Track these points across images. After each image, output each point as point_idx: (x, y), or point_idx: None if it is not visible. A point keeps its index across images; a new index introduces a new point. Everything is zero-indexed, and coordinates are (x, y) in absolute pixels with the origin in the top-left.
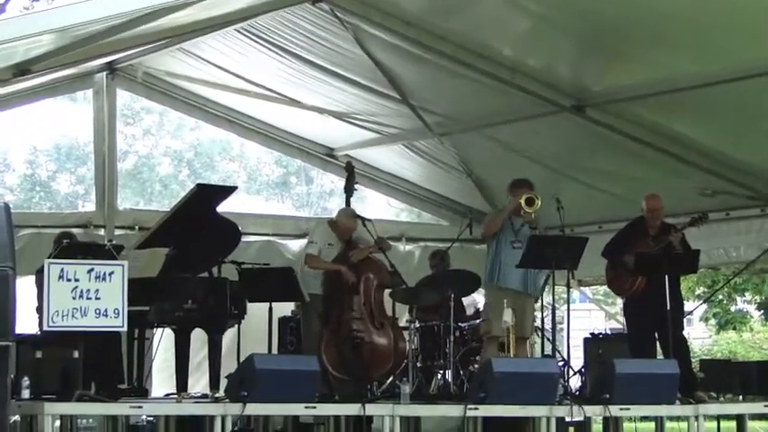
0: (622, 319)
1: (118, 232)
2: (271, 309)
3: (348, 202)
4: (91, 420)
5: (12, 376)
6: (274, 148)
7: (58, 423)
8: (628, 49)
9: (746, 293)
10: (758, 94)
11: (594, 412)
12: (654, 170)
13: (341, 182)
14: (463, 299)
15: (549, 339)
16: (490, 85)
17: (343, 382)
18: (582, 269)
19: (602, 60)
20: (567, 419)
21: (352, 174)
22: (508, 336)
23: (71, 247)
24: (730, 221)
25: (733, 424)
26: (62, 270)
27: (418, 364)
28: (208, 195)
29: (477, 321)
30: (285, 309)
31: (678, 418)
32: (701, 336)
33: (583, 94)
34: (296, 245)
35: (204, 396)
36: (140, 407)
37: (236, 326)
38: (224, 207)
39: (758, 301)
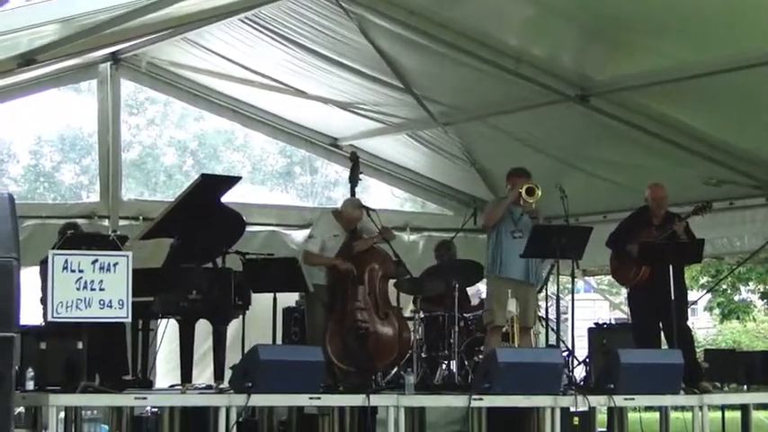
0: (627, 308)
1: (122, 223)
2: (275, 299)
3: (353, 192)
4: (95, 412)
5: (16, 367)
6: (279, 139)
7: (62, 414)
8: (631, 38)
9: (750, 283)
10: (762, 84)
11: (599, 402)
12: (658, 159)
13: (345, 172)
14: (468, 289)
15: (553, 329)
16: (494, 74)
17: (348, 373)
18: (586, 259)
19: (605, 50)
20: (572, 409)
21: (356, 164)
22: (512, 326)
23: (75, 237)
24: (734, 211)
25: (737, 414)
26: (66, 261)
27: (423, 355)
28: (212, 185)
29: (482, 312)
30: (289, 299)
31: (682, 408)
32: (705, 326)
33: (587, 84)
34: (300, 235)
35: (208, 387)
36: (145, 398)
37: (241, 316)
38: (228, 197)
39: (762, 290)
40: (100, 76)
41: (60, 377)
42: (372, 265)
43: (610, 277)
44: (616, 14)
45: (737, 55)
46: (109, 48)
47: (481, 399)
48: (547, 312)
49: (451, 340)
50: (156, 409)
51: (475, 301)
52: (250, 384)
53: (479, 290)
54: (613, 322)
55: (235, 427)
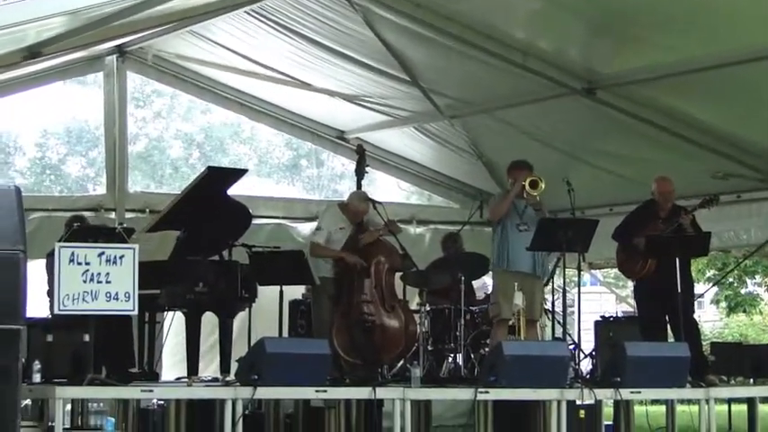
0: (633, 301)
1: (128, 215)
2: (281, 292)
3: (359, 185)
4: (102, 404)
5: (23, 360)
6: (285, 131)
7: (68, 407)
8: (638, 31)
9: (757, 276)
10: None
11: (605, 395)
12: (665, 153)
13: (351, 164)
14: (474, 282)
15: (559, 322)
16: (501, 67)
17: (354, 366)
18: (593, 252)
19: (612, 43)
20: (578, 402)
21: (363, 156)
22: (518, 319)
23: (82, 230)
24: (741, 204)
25: (744, 407)
26: (73, 253)
27: (429, 348)
28: (218, 178)
29: (488, 305)
30: (296, 292)
31: (689, 402)
32: (711, 318)
33: (593, 77)
34: (306, 228)
35: (215, 380)
36: (151, 390)
37: (247, 309)
38: (235, 190)
39: None
40: (106, 69)
41: (67, 370)
42: (379, 258)
43: (616, 270)
44: (623, 8)
45: (744, 48)
46: (115, 40)
47: (487, 392)
48: (553, 305)
49: (458, 333)
50: (162, 402)
51: (480, 295)
52: (256, 377)
53: (485, 283)
54: (620, 315)
55: (241, 419)
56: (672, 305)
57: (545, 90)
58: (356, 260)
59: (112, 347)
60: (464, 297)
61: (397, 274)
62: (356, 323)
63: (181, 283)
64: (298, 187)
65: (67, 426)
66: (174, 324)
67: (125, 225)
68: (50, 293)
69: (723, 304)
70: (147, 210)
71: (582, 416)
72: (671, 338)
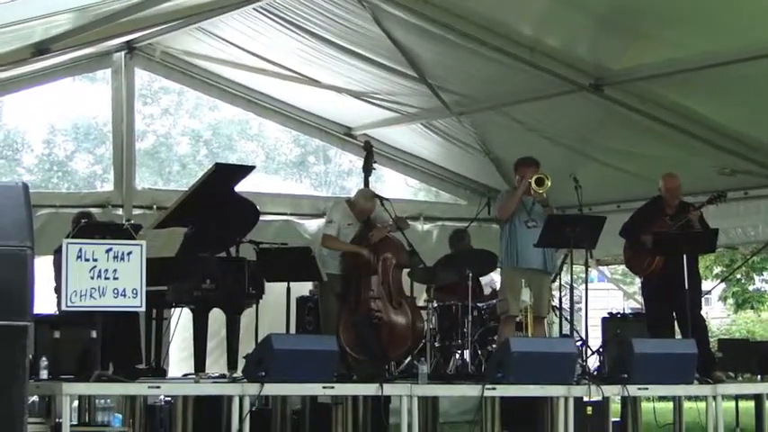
0: (641, 298)
1: (136, 212)
2: (289, 288)
3: (366, 182)
4: (109, 400)
5: (30, 356)
6: (292, 128)
7: (75, 403)
8: (646, 28)
9: (765, 272)
10: None
11: (613, 392)
12: (672, 149)
13: (359, 161)
14: (481, 279)
15: (567, 319)
16: (509, 63)
17: (361, 362)
18: (600, 248)
19: (620, 39)
20: (585, 399)
21: (370, 153)
22: (526, 315)
23: (89, 226)
24: (748, 200)
25: (751, 404)
26: (80, 250)
27: (436, 344)
28: (226, 175)
29: (495, 301)
30: (303, 288)
31: (696, 398)
32: (719, 315)
33: (601, 73)
34: (314, 224)
35: (222, 376)
36: (158, 387)
37: (254, 306)
38: (242, 186)
39: None
40: (114, 66)
41: (74, 366)
42: (386, 255)
43: (623, 267)
44: (631, 4)
45: (752, 45)
46: (123, 37)
47: (494, 388)
48: (560, 302)
49: (465, 329)
50: (169, 398)
51: (487, 291)
52: (263, 373)
53: (492, 279)
54: (627, 312)
55: (248, 416)
56: (679, 302)
57: (553, 86)
58: (370, 255)
59: (120, 344)
60: (471, 293)
61: (405, 271)
62: (363, 319)
63: (188, 279)
64: (305, 184)
65: (74, 422)
66: (181, 321)
67: (132, 222)
68: (57, 290)
69: (731, 301)
70: (155, 206)
71: (589, 412)
72: (678, 335)
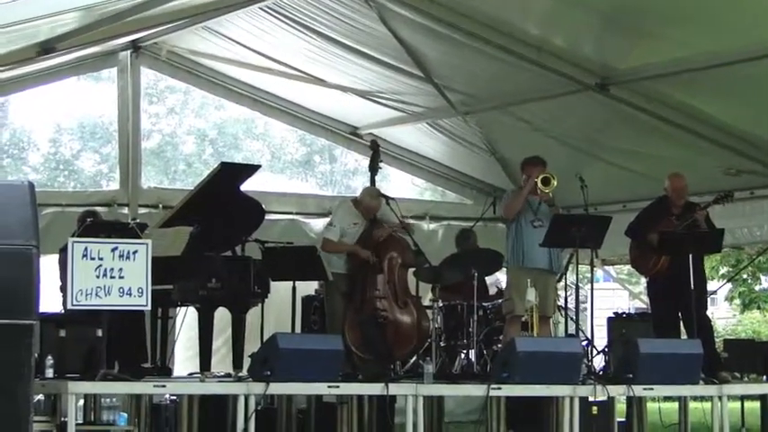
0: (646, 298)
1: (142, 211)
2: (294, 288)
3: (373, 181)
4: (114, 399)
5: (35, 355)
6: (298, 127)
7: (81, 402)
8: (652, 27)
9: None
10: None
11: (618, 392)
12: (678, 149)
13: (365, 160)
14: (486, 278)
15: (572, 319)
16: (514, 63)
17: (367, 362)
18: (606, 248)
19: (626, 39)
20: (591, 399)
21: (376, 152)
22: (531, 315)
23: (95, 225)
24: (754, 200)
25: (757, 404)
26: (86, 249)
27: (441, 344)
28: (232, 174)
29: (501, 301)
30: (309, 288)
31: (702, 398)
32: (725, 315)
33: (607, 73)
34: (319, 224)
35: (227, 375)
36: (164, 386)
37: (260, 305)
38: (248, 186)
39: None
40: (120, 65)
41: (79, 365)
42: (392, 254)
43: (629, 267)
44: (637, 3)
45: (758, 44)
46: (129, 36)
47: (500, 388)
48: (566, 302)
49: (470, 329)
50: (174, 397)
51: (492, 291)
52: (269, 373)
53: (498, 279)
54: (633, 312)
55: (253, 415)
56: (685, 302)
57: (559, 86)
58: (369, 255)
59: (125, 343)
60: (477, 293)
61: (410, 270)
62: (369, 319)
63: (194, 278)
64: (311, 183)
65: (80, 421)
66: (186, 320)
67: (138, 220)
68: (63, 289)
69: (737, 301)
70: (161, 205)
71: (594, 412)
72: (684, 335)
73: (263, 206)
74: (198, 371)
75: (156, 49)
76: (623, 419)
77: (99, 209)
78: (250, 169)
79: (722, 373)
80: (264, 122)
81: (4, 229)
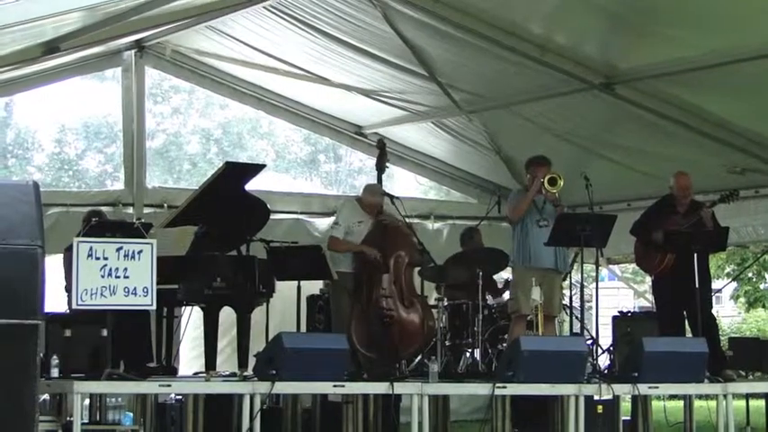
0: (651, 297)
1: (146, 210)
2: (299, 287)
3: (380, 180)
4: (119, 399)
5: (41, 355)
6: (303, 126)
7: (86, 401)
8: (656, 26)
9: None
10: None
11: (623, 391)
12: (683, 148)
13: (369, 160)
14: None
15: (577, 318)
16: (519, 62)
17: (372, 361)
18: (610, 247)
19: (630, 38)
20: (596, 398)
21: (383, 151)
22: (536, 314)
23: (100, 225)
24: (759, 199)
25: (762, 403)
26: (91, 248)
27: (447, 343)
28: (236, 173)
29: (506, 299)
30: (314, 287)
31: (707, 397)
32: (730, 314)
33: (611, 72)
34: (324, 223)
35: (233, 375)
36: (169, 385)
37: (265, 304)
38: (252, 185)
39: None
40: (124, 64)
41: (85, 364)
42: (399, 253)
43: (634, 265)
44: (641, 2)
45: (763, 43)
46: (133, 35)
47: (505, 387)
48: (571, 301)
49: (475, 328)
50: (180, 397)
51: (500, 284)
52: (274, 372)
53: (502, 278)
54: (637, 310)
55: (259, 414)
56: (690, 301)
57: (563, 85)
58: (375, 254)
59: (130, 342)
60: (484, 289)
61: (415, 269)
62: (375, 318)
63: (199, 278)
64: (315, 182)
65: (85, 420)
66: (191, 319)
67: (143, 220)
68: (68, 288)
69: (742, 300)
70: (165, 205)
71: (600, 411)
72: (689, 334)
73: (268, 205)
74: (203, 370)
75: (160, 49)
76: (628, 418)
77: (104, 209)
78: (255, 168)
79: (727, 371)
80: (269, 122)
81: (9, 229)
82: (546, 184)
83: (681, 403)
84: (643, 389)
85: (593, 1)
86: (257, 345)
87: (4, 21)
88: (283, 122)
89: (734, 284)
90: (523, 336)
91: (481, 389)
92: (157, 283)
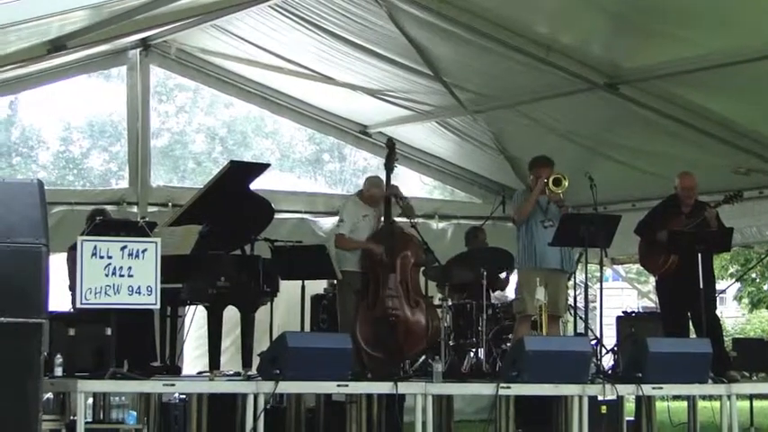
0: (655, 297)
1: (151, 209)
2: (303, 286)
3: (388, 179)
4: (123, 398)
5: (45, 354)
6: (308, 126)
7: (90, 400)
8: (661, 26)
9: None
10: None
11: (627, 391)
12: (687, 148)
13: (374, 159)
14: None
15: (581, 318)
16: (524, 62)
17: (376, 360)
18: (615, 247)
19: (635, 38)
20: (600, 398)
21: (392, 151)
22: (541, 314)
23: (104, 224)
24: (763, 200)
25: (766, 403)
26: (95, 247)
27: (451, 343)
28: (241, 172)
29: (510, 298)
30: (318, 286)
31: (711, 398)
32: (733, 315)
33: (616, 72)
34: (328, 222)
35: (236, 374)
36: (173, 385)
37: (269, 304)
38: (257, 184)
39: None
40: (129, 63)
41: (89, 363)
42: (405, 253)
43: (638, 266)
44: (646, 2)
45: (766, 44)
46: (138, 34)
47: (509, 387)
48: (575, 301)
49: (479, 328)
50: (184, 396)
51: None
52: (278, 371)
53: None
54: (641, 311)
55: (262, 413)
56: (694, 301)
57: (568, 85)
58: (382, 250)
59: (134, 341)
60: (491, 285)
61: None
62: (380, 317)
63: (203, 277)
64: (320, 182)
65: (89, 419)
66: (195, 318)
67: (147, 219)
68: (72, 287)
69: (745, 300)
70: (170, 204)
71: (603, 411)
72: (693, 334)
73: (273, 205)
74: (207, 369)
75: (165, 48)
76: (632, 418)
77: (108, 207)
78: (259, 168)
79: (731, 372)
80: (274, 121)
81: (13, 227)
82: (550, 185)
83: (685, 404)
84: (647, 389)
85: (598, 1)
86: (261, 344)
87: (10, 19)
88: (288, 121)
89: (737, 285)
90: (527, 336)
91: (485, 389)
92: (161, 282)
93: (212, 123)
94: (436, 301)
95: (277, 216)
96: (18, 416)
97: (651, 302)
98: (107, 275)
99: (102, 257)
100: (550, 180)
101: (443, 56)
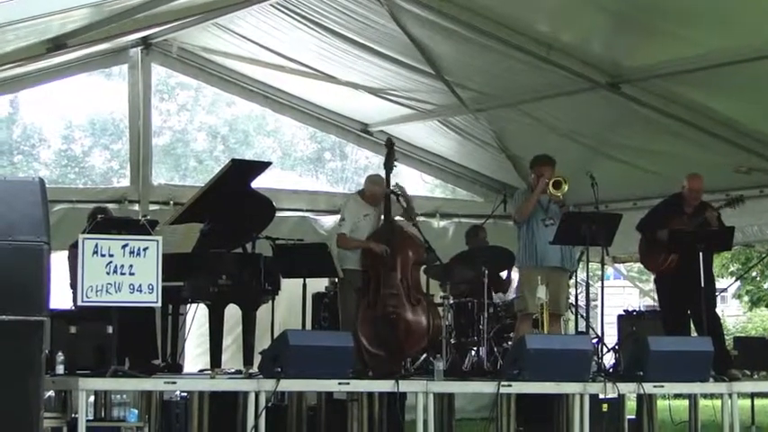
0: (656, 296)
1: (152, 207)
2: (305, 285)
3: (388, 178)
4: (124, 396)
5: (46, 351)
6: (309, 124)
7: (92, 398)
8: (662, 25)
9: None
10: None
11: (628, 389)
12: (688, 147)
13: (375, 158)
14: None
15: (582, 316)
16: (525, 61)
17: (377, 359)
18: (616, 246)
19: (637, 37)
20: (601, 396)
21: (392, 150)
22: (542, 312)
23: (106, 222)
24: (765, 199)
25: (767, 402)
26: (96, 245)
27: (452, 341)
28: (242, 170)
29: (512, 297)
30: (319, 284)
31: (712, 396)
32: (734, 313)
33: (618, 71)
34: (330, 220)
35: (238, 372)
36: (174, 382)
37: (270, 302)
38: (258, 182)
39: None
40: (131, 61)
41: (90, 361)
42: (407, 252)
43: (639, 264)
44: (648, 1)
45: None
46: (140, 32)
47: (510, 385)
48: (576, 299)
49: (481, 326)
50: (185, 394)
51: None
52: (279, 369)
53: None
54: (643, 309)
55: (264, 411)
56: (694, 300)
57: (569, 84)
58: (383, 249)
59: (136, 339)
60: (493, 285)
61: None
62: (381, 316)
63: (204, 275)
64: (321, 180)
65: (90, 417)
66: (197, 316)
67: (149, 217)
68: (74, 285)
69: (746, 299)
70: (171, 202)
71: (605, 410)
72: (694, 333)
73: (274, 203)
74: (208, 367)
75: (166, 46)
76: (633, 417)
77: (110, 205)
78: (261, 166)
79: (732, 370)
80: (275, 119)
81: (14, 225)
82: (551, 188)
83: (686, 402)
84: (648, 388)
85: (599, 0)
86: (262, 342)
87: (10, 17)
88: (290, 120)
89: (738, 283)
90: (529, 334)
91: (486, 387)
92: (163, 281)
93: (214, 122)
94: (436, 299)
95: (278, 214)
96: (19, 414)
97: (652, 301)
98: (108, 273)
99: (103, 255)
100: (551, 183)
101: (445, 54)
